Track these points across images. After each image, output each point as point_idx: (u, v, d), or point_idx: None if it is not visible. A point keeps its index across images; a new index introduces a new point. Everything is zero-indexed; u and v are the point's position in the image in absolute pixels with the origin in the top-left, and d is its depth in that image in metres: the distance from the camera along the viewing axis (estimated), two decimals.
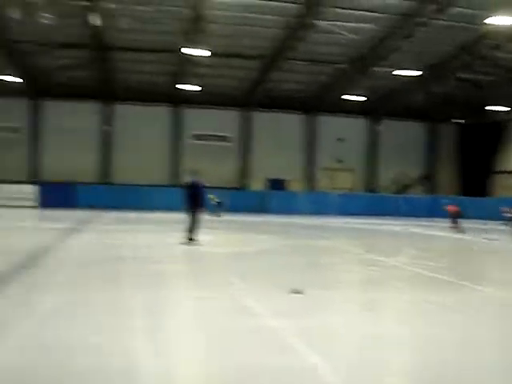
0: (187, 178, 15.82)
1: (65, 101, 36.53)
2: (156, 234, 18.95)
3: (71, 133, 36.32)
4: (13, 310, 6.92)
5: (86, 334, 5.87)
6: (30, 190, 33.86)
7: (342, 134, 40.13)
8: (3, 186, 33.83)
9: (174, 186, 33.88)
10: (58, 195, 33.40)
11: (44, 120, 37.09)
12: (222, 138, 39.20)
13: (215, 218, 28.14)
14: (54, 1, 22.97)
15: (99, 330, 6.02)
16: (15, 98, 36.01)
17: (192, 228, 14.78)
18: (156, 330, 6.12)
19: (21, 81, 33.07)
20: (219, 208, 30.10)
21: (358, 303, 8.08)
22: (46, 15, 22.86)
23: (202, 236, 15.46)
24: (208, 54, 27.17)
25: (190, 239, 14.69)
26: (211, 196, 30.13)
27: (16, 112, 36.73)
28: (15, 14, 22.93)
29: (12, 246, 13.77)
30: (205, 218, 15.41)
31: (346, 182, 40.84)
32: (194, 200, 14.87)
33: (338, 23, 25.75)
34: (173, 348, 5.58)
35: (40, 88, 35.97)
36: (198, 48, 26.76)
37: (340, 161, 40.43)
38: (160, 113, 37.82)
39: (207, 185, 15.54)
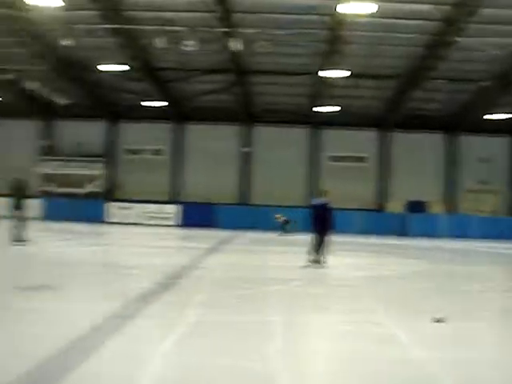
0: (315, 199, 15.62)
1: (205, 124, 37.71)
2: (290, 255, 18.94)
3: (211, 155, 37.39)
4: (154, 329, 7.11)
5: (223, 357, 5.90)
6: (171, 210, 35.08)
7: (485, 155, 38.47)
8: (147, 205, 35.33)
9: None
10: (198, 215, 34.36)
11: (186, 142, 38.46)
12: (360, 159, 38.79)
13: (281, 237, 27.65)
14: (196, 29, 23.82)
15: (235, 353, 6.04)
16: (160, 121, 37.68)
17: (320, 250, 14.54)
18: (294, 356, 6.05)
19: (165, 105, 34.55)
20: (287, 227, 29.01)
21: (505, 337, 7.62)
22: (188, 43, 23.74)
23: (337, 259, 15.28)
24: (345, 74, 27.11)
25: (317, 261, 14.45)
26: (277, 215, 29.99)
27: (160, 135, 38.38)
28: (160, 43, 23.99)
29: (154, 265, 14.26)
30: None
31: (489, 204, 39.04)
32: (322, 221, 14.66)
33: (481, 39, 24.82)
34: (314, 377, 5.48)
35: (182, 112, 37.37)
36: (335, 69, 26.77)
37: (483, 182, 38.77)
38: (297, 134, 38.08)
39: (334, 206, 15.21)
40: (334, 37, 25.00)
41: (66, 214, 32.83)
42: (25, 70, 29.45)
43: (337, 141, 37.94)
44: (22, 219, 17.44)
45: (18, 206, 17.45)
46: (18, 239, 17.15)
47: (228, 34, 24.65)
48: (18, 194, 17.74)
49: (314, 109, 34.52)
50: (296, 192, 37.12)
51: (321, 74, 27.74)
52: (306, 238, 14.94)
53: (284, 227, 29.04)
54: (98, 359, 5.56)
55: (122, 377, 5.14)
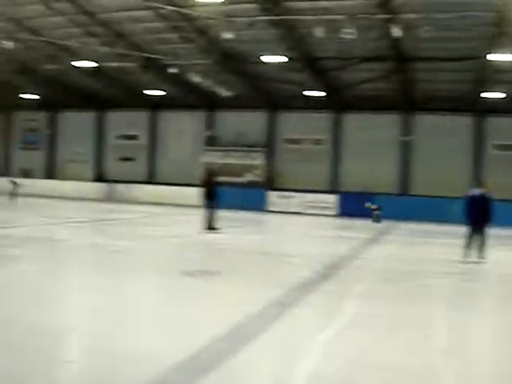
0: (473, 190, 14.78)
1: (364, 113, 37.31)
2: (449, 247, 18.24)
3: (370, 144, 36.96)
4: (313, 319, 7.16)
5: (380, 350, 5.84)
6: (330, 200, 35.11)
7: None
8: (306, 194, 35.61)
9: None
10: (357, 205, 34.05)
11: (345, 132, 38.29)
12: None
13: (375, 225, 27.62)
14: (355, 16, 23.58)
15: (394, 348, 5.95)
16: (319, 111, 37.81)
17: (477, 243, 13.77)
18: (456, 354, 5.88)
19: (324, 95, 34.59)
20: (377, 215, 29.29)
21: None
22: (347, 31, 23.56)
23: (499, 253, 14.58)
24: None
25: (474, 255, 13.66)
26: (368, 204, 30.16)
27: (319, 124, 38.51)
28: (319, 32, 24.01)
29: (314, 254, 14.37)
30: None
31: None
32: (480, 213, 13.90)
33: None
34: (479, 379, 5.29)
35: (341, 101, 37.23)
36: (503, 53, 25.42)
37: None
38: (460, 122, 36.55)
39: (494, 197, 14.35)
40: (502, 19, 23.74)
41: (228, 203, 33.80)
42: (189, 63, 30.74)
43: (503, 129, 36.01)
44: (213, 208, 18.20)
45: (209, 196, 18.23)
46: (210, 227, 17.98)
47: (388, 21, 24.18)
48: (209, 184, 18.55)
49: (479, 95, 33.01)
50: (458, 182, 35.77)
51: (487, 58, 26.44)
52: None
53: (375, 215, 29.38)
54: (256, 346, 5.70)
55: (279, 364, 5.23)
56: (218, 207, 18.68)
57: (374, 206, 29.91)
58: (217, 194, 18.48)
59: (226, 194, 35.11)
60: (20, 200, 30.56)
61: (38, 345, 5.50)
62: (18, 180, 34.79)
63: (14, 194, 32.35)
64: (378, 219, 29.04)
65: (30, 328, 6.05)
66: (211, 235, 17.45)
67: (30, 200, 32.86)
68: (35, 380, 4.58)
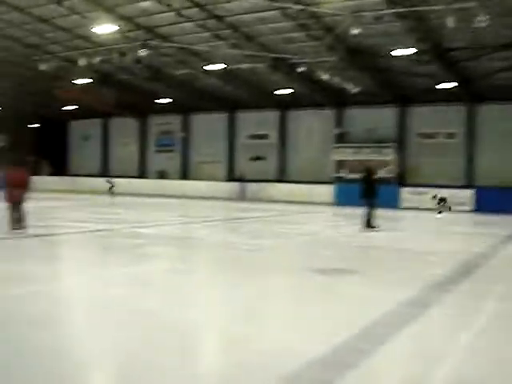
0: None
1: (500, 103, 35.76)
2: None
3: (507, 136, 35.39)
4: (450, 320, 6.97)
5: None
6: (465, 195, 33.92)
7: None
8: (440, 190, 34.54)
9: None
10: (494, 200, 32.70)
11: (479, 124, 36.85)
12: None
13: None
14: (488, 3, 22.59)
15: None
16: (451, 103, 36.65)
17: None
18: None
19: (456, 86, 33.48)
20: (443, 205, 28.69)
21: None
22: (480, 19, 22.60)
23: None
24: None
25: None
26: (434, 195, 29.78)
27: (452, 117, 37.33)
28: (450, 22, 23.18)
29: (450, 252, 13.93)
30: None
31: None
32: None
33: None
34: None
35: (475, 92, 35.87)
36: None
37: None
38: None
39: None
40: None
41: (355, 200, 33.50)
42: (317, 61, 30.75)
43: None
44: (372, 206, 18.12)
45: (368, 194, 18.10)
46: (368, 225, 17.91)
47: None
48: (369, 181, 18.40)
49: None
50: None
51: None
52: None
53: (439, 206, 28.90)
54: (393, 346, 5.63)
55: (417, 365, 5.14)
56: (377, 205, 18.42)
57: (439, 197, 29.34)
58: (376, 191, 18.17)
59: (353, 191, 34.91)
60: (119, 199, 32.18)
61: (179, 339, 5.74)
62: (114, 180, 36.31)
63: (112, 193, 33.88)
64: (440, 211, 28.46)
65: (169, 323, 6.30)
66: (346, 233, 17.38)
67: (165, 200, 34.14)
68: (175, 372, 4.78)
